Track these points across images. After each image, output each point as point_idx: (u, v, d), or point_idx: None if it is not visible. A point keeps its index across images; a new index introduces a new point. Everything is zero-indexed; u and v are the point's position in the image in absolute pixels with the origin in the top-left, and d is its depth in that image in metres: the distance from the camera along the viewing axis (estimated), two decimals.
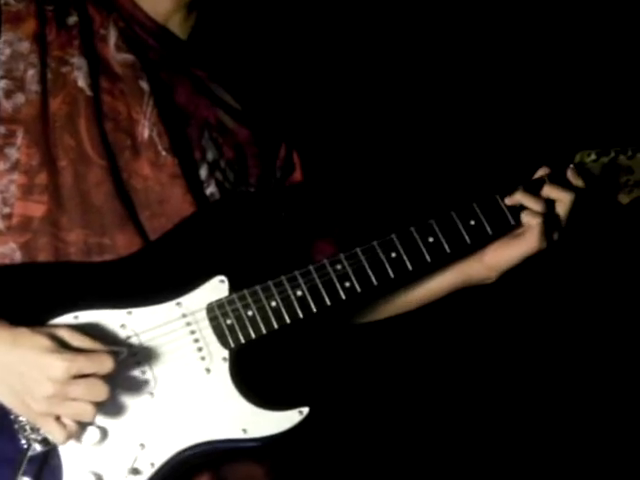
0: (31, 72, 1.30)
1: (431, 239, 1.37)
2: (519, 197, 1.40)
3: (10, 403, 1.14)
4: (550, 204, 1.41)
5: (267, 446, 1.23)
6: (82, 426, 1.15)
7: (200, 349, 1.25)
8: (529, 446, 2.60)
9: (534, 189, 1.42)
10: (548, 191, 1.41)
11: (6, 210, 1.29)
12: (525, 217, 1.39)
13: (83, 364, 1.11)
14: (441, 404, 2.60)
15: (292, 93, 1.65)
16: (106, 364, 1.13)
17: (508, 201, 1.41)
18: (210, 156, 1.41)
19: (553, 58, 2.56)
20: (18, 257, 1.28)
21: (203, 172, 1.39)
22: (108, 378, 1.13)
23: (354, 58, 2.48)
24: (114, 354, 1.15)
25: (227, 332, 1.26)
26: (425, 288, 1.54)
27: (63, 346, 1.13)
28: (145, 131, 1.34)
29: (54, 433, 1.13)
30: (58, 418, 1.13)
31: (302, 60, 2.36)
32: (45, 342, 1.11)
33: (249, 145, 1.47)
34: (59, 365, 1.10)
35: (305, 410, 1.24)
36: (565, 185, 1.42)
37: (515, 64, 2.55)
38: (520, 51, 2.55)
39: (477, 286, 1.52)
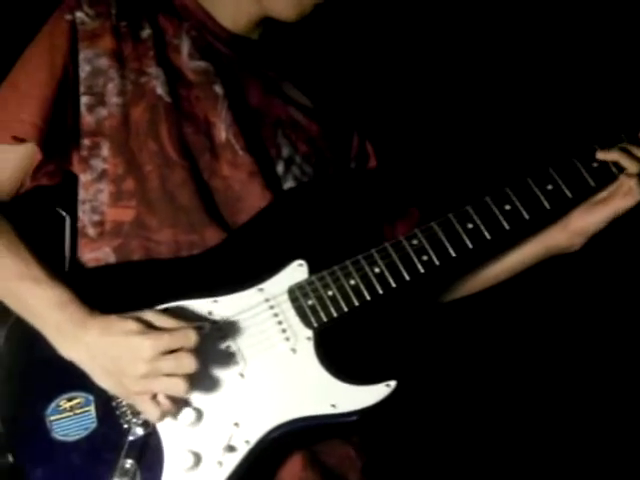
0: (110, 86, 1.38)
1: (508, 207, 1.36)
2: (615, 155, 1.37)
3: (109, 386, 1.20)
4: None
5: (357, 421, 1.24)
6: (177, 405, 1.20)
7: (284, 330, 1.29)
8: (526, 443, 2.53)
9: (624, 149, 1.39)
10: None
11: (96, 217, 1.38)
12: (622, 176, 1.37)
13: (168, 340, 1.17)
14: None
15: (359, 85, 1.69)
16: (191, 338, 1.17)
17: (601, 156, 1.38)
18: (285, 153, 1.46)
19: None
20: (112, 260, 1.37)
21: (280, 168, 1.44)
22: (196, 353, 1.17)
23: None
24: (197, 328, 1.20)
25: (309, 312, 1.29)
26: (507, 261, 1.54)
27: (149, 327, 1.19)
28: (222, 133, 1.41)
29: (150, 411, 1.19)
30: (154, 397, 1.18)
31: (363, 52, 2.39)
32: (132, 326, 1.18)
33: (321, 139, 1.52)
34: (147, 344, 1.16)
35: (392, 383, 1.24)
36: None
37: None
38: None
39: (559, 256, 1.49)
